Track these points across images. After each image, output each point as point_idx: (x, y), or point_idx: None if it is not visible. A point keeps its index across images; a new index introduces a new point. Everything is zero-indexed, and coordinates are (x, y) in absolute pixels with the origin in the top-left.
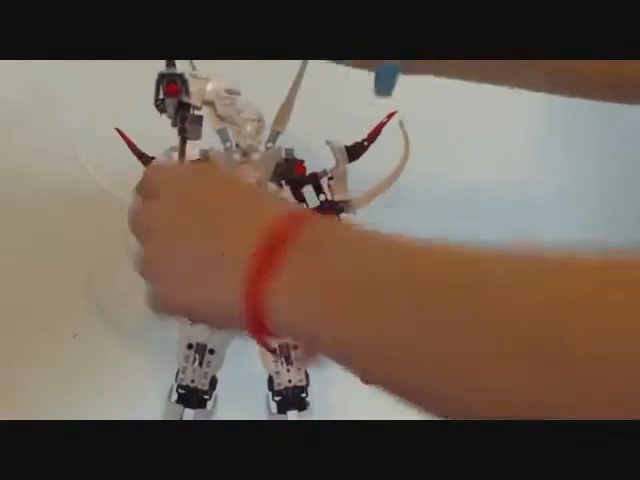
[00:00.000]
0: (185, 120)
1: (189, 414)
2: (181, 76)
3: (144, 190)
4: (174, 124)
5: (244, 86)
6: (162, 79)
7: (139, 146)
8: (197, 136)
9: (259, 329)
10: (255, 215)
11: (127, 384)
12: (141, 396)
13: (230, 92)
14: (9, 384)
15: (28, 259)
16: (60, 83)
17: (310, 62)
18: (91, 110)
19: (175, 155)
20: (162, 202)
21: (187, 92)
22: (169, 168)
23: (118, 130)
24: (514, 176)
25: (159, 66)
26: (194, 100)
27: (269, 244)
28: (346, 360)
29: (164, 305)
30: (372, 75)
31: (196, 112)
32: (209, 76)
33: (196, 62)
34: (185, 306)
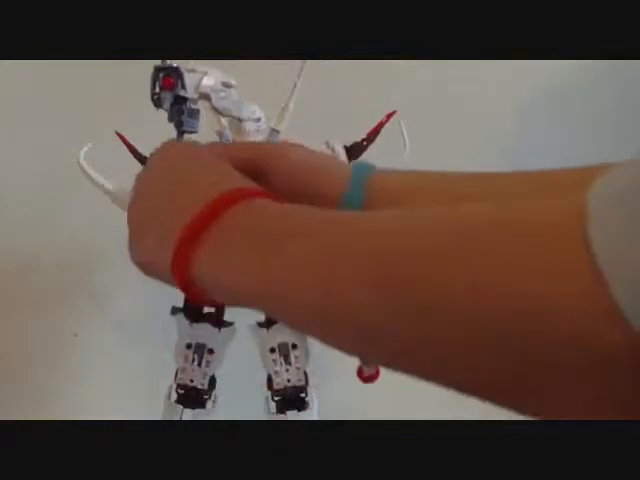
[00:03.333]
0: (182, 113)
1: (188, 414)
2: (177, 69)
3: (152, 154)
4: (170, 119)
5: (244, 86)
6: (158, 73)
7: (139, 147)
8: (194, 129)
9: (189, 288)
10: (205, 190)
11: (127, 384)
12: (141, 396)
13: (226, 85)
14: (9, 384)
15: (28, 259)
16: (61, 84)
17: (310, 62)
18: (92, 111)
19: None
20: (145, 171)
21: (183, 85)
22: (163, 144)
23: (118, 134)
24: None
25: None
26: (190, 93)
27: (207, 212)
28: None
29: (131, 256)
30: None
31: (192, 106)
32: (205, 70)
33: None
34: (137, 257)
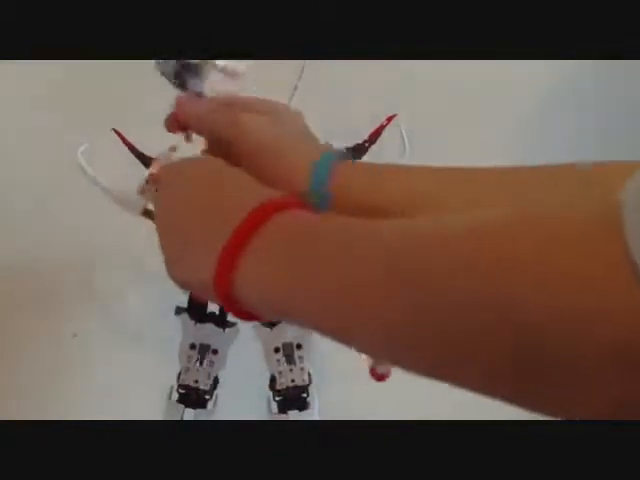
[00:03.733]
0: (187, 71)
1: (190, 414)
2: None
3: (159, 184)
4: (176, 84)
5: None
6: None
7: (139, 146)
8: (198, 88)
9: (231, 304)
10: (239, 203)
11: (127, 384)
12: (141, 396)
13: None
14: (9, 384)
15: (28, 259)
16: (61, 84)
17: (310, 62)
18: (93, 112)
19: (174, 155)
20: (168, 192)
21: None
22: (177, 162)
23: (116, 131)
24: None
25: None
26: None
27: (242, 231)
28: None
29: (169, 274)
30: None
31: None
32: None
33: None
34: (177, 277)
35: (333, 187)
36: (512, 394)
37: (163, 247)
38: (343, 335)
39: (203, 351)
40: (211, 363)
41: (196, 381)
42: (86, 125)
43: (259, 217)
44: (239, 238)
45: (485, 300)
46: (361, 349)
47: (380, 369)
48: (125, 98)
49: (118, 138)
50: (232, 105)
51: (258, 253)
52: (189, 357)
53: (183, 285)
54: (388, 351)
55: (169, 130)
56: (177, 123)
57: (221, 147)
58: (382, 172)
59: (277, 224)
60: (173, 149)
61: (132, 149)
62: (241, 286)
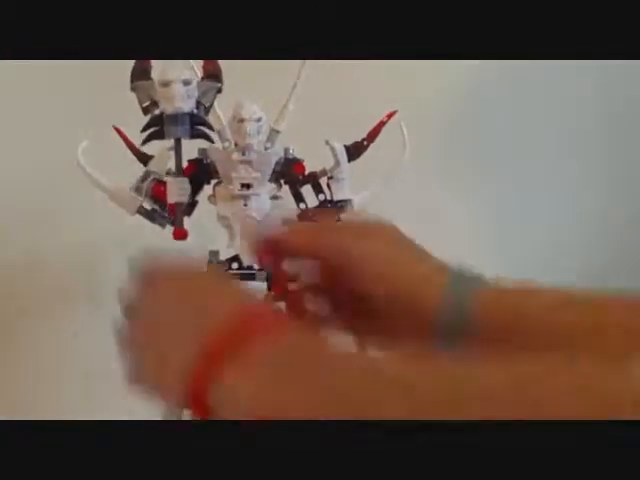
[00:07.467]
0: (160, 123)
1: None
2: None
3: (143, 277)
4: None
5: (244, 86)
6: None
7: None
8: (177, 135)
9: (205, 411)
10: (218, 320)
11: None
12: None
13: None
14: (9, 384)
15: (28, 259)
16: (62, 83)
17: (310, 62)
18: (93, 112)
19: (172, 154)
20: (152, 294)
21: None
22: (168, 266)
23: (116, 129)
24: (513, 176)
25: (160, 65)
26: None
27: (215, 350)
28: None
29: (133, 381)
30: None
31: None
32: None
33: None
34: (148, 385)
35: (474, 316)
36: None
37: (136, 354)
38: None
39: None
40: None
41: None
42: (88, 126)
43: (239, 338)
44: (218, 355)
45: None
46: None
47: None
48: (124, 97)
49: (118, 136)
50: (340, 230)
51: (236, 370)
52: None
53: (149, 392)
54: None
55: (260, 261)
56: (270, 248)
57: (326, 273)
58: (522, 303)
59: (256, 347)
60: (170, 148)
61: (131, 147)
62: (219, 397)
